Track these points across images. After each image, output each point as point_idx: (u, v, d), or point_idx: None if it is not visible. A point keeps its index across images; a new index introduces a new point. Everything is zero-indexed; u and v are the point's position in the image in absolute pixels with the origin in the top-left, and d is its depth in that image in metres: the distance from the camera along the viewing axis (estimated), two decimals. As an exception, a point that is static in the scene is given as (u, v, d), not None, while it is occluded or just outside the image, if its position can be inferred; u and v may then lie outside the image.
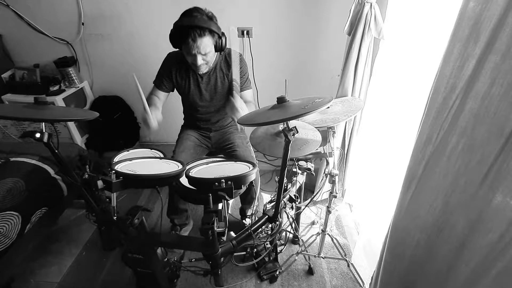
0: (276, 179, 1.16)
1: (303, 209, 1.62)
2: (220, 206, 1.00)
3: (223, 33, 1.32)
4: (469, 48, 0.61)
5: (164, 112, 1.69)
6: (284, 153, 0.95)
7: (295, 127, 0.90)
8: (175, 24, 1.26)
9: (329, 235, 1.61)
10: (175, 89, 1.55)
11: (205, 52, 1.28)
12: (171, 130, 1.59)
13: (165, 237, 1.16)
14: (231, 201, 1.90)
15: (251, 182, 1.12)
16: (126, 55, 2.18)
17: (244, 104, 1.34)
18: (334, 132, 1.42)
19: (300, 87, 2.16)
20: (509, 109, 0.56)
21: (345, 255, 1.59)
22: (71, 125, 2.18)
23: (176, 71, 1.46)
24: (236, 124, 1.69)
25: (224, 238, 1.08)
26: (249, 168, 1.09)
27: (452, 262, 0.75)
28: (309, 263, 1.58)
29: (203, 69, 1.39)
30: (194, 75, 1.46)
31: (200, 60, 1.30)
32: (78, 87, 2.18)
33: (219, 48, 1.32)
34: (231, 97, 1.35)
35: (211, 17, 1.28)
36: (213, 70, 1.46)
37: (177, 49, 1.41)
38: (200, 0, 1.90)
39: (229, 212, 1.87)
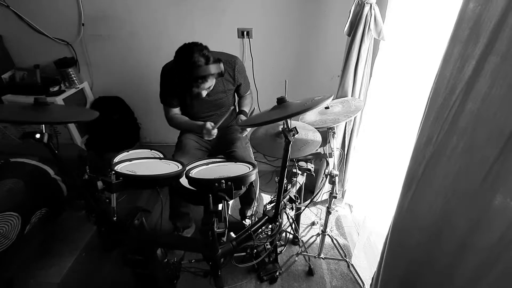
0: (276, 179, 1.16)
1: (303, 210, 1.62)
2: (220, 206, 1.00)
3: (219, 60, 1.31)
4: (469, 49, 0.61)
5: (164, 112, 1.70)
6: (284, 154, 0.95)
7: (295, 127, 0.90)
8: (177, 75, 1.28)
9: (329, 235, 1.61)
10: None
11: (202, 87, 1.31)
12: (171, 130, 1.58)
13: (165, 238, 1.16)
14: (231, 202, 1.90)
15: (251, 183, 1.12)
16: (126, 55, 2.18)
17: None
18: (334, 133, 1.42)
19: (300, 87, 2.16)
20: (509, 110, 0.56)
21: (345, 256, 1.59)
22: (71, 125, 2.18)
23: (176, 85, 1.42)
24: (238, 125, 1.70)
25: (224, 239, 1.08)
26: (249, 168, 1.09)
27: (453, 263, 0.75)
28: (309, 264, 1.58)
29: (202, 94, 1.38)
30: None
31: (204, 94, 1.35)
32: (78, 87, 2.18)
33: (220, 75, 1.35)
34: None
35: (207, 57, 1.24)
36: None
37: (170, 61, 1.40)
38: (201, 1, 1.92)
39: (229, 213, 1.87)
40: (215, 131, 1.42)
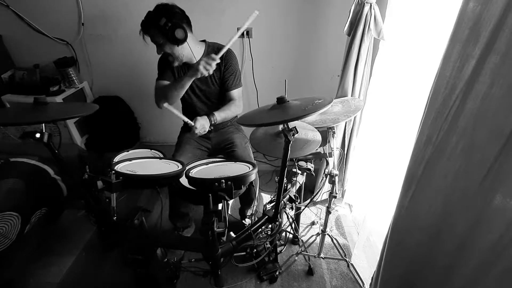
0: (276, 179, 1.16)
1: (303, 210, 1.62)
2: (220, 206, 1.00)
3: (176, 24, 1.27)
4: (468, 48, 0.61)
5: (164, 112, 1.69)
6: (284, 154, 0.95)
7: (294, 127, 0.90)
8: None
9: (329, 235, 1.61)
10: None
11: (157, 43, 1.35)
12: (171, 130, 1.59)
13: (165, 238, 1.16)
14: (231, 202, 1.90)
15: (251, 183, 1.12)
16: (126, 55, 2.18)
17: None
18: (334, 133, 1.42)
19: (300, 87, 2.16)
20: (509, 109, 0.56)
21: (345, 255, 1.59)
22: (71, 125, 2.18)
23: (171, 66, 1.47)
24: (236, 123, 1.70)
25: (224, 238, 1.08)
26: (249, 168, 1.09)
27: (452, 262, 0.75)
28: (309, 263, 1.58)
29: (173, 62, 1.41)
30: (183, 68, 1.48)
31: (157, 50, 1.38)
32: (78, 87, 2.18)
33: (172, 39, 1.29)
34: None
35: (161, 11, 1.32)
36: None
37: None
38: (201, 1, 1.92)
39: (229, 212, 1.87)
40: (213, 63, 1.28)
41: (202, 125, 1.40)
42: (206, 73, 1.28)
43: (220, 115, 1.47)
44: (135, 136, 2.51)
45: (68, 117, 1.08)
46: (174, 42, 1.32)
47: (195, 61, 1.42)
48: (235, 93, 1.52)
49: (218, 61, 1.28)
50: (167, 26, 1.27)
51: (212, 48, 1.48)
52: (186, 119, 1.37)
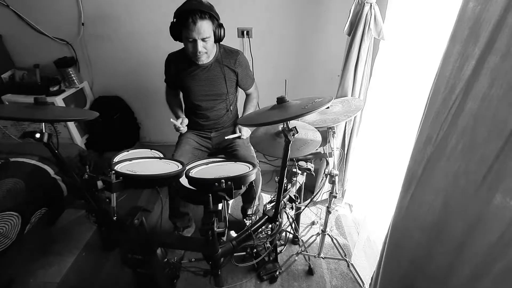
0: (276, 179, 1.16)
1: (303, 210, 1.62)
2: (220, 206, 1.00)
3: (221, 24, 1.36)
4: (468, 48, 0.61)
5: (164, 112, 1.70)
6: (284, 153, 0.95)
7: (295, 127, 0.90)
8: (176, 11, 1.30)
9: (329, 235, 1.61)
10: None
11: (205, 38, 1.30)
12: (171, 130, 1.58)
13: (165, 238, 1.16)
14: (231, 201, 1.90)
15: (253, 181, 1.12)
16: (126, 55, 2.18)
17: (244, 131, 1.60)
18: (334, 133, 1.42)
19: (300, 87, 2.16)
20: (509, 109, 0.56)
21: (345, 255, 1.59)
22: (71, 125, 2.18)
23: (176, 67, 1.51)
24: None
25: (224, 238, 1.08)
26: (249, 168, 1.09)
27: (452, 262, 0.75)
28: (309, 263, 1.58)
29: (204, 59, 1.40)
30: (192, 68, 1.49)
31: (200, 46, 1.32)
32: (78, 87, 2.18)
33: (218, 37, 1.35)
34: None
35: (210, 6, 1.32)
36: (214, 62, 1.49)
37: (177, 50, 1.45)
38: (200, 1, 1.91)
39: (229, 212, 1.87)
40: (182, 129, 1.52)
41: (246, 130, 1.59)
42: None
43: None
44: (135, 136, 2.51)
45: (67, 119, 1.08)
46: (220, 40, 1.39)
47: (208, 60, 1.46)
48: (252, 89, 1.69)
49: (184, 130, 1.54)
50: (220, 23, 1.35)
51: (224, 49, 1.51)
52: (234, 135, 1.55)
